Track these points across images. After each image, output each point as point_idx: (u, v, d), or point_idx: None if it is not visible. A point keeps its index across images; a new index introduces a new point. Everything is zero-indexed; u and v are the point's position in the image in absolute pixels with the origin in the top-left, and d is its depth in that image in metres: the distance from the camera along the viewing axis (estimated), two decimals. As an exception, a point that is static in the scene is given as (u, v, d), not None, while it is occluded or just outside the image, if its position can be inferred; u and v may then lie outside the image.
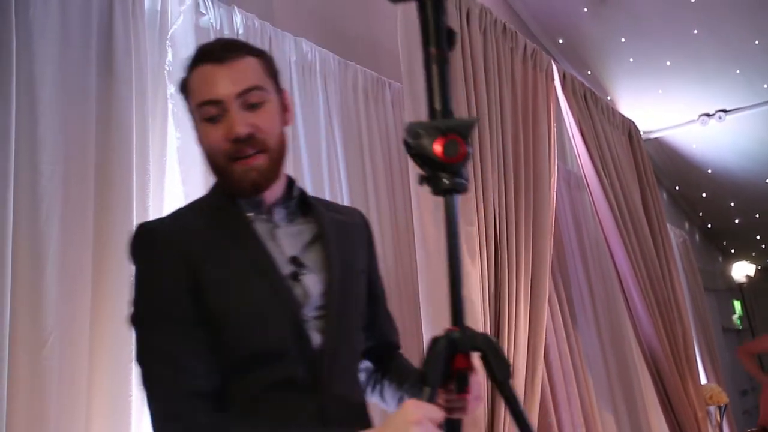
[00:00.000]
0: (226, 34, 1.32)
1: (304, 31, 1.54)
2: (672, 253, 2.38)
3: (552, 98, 1.76)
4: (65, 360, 0.86)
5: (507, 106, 1.52)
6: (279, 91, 0.69)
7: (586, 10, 1.84)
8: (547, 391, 1.63)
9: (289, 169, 0.83)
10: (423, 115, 1.44)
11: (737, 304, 6.81)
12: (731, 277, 6.16)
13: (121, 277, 0.90)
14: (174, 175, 1.17)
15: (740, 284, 6.18)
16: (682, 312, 2.17)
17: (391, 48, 1.61)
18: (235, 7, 1.35)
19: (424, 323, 1.39)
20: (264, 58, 0.69)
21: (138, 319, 0.61)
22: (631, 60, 2.23)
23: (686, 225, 4.94)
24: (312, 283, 0.68)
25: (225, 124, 0.63)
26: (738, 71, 2.86)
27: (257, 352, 0.63)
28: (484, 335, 0.55)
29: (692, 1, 2.23)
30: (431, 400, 0.52)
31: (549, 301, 1.67)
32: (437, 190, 0.52)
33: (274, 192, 0.69)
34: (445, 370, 0.53)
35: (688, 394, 1.92)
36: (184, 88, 0.69)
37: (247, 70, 0.64)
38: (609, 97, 2.53)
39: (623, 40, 2.05)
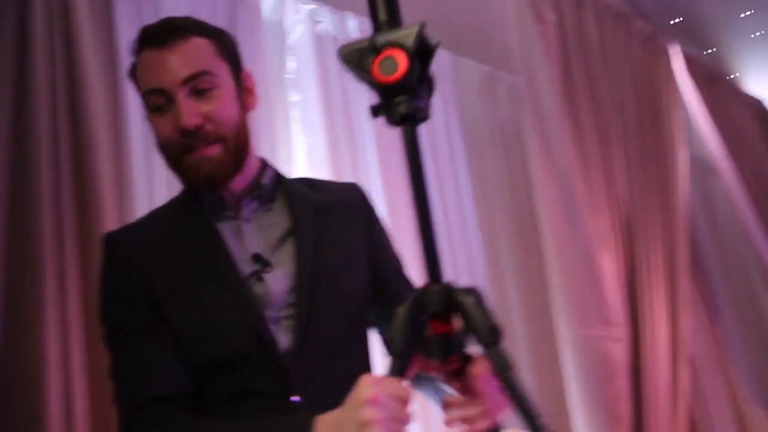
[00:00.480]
0: (342, 39, 1.37)
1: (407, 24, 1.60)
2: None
3: (673, 81, 1.69)
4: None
5: (628, 93, 1.53)
6: (237, 73, 0.63)
7: None
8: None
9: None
10: (545, 107, 1.44)
11: None
12: None
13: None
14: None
15: None
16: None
17: (501, 40, 1.62)
18: (351, 13, 1.43)
19: (558, 325, 1.41)
20: (217, 37, 0.62)
21: (104, 336, 0.61)
22: (757, 34, 1.99)
23: None
24: (276, 281, 0.63)
25: (172, 115, 0.58)
26: None
27: (216, 361, 0.59)
28: (465, 289, 0.46)
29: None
30: (395, 372, 0.44)
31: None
32: (390, 120, 0.44)
33: (240, 183, 0.64)
34: (413, 334, 0.44)
35: None
36: (133, 74, 0.63)
37: (195, 53, 0.58)
38: (737, 74, 2.32)
39: (742, 15, 1.84)
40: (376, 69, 0.41)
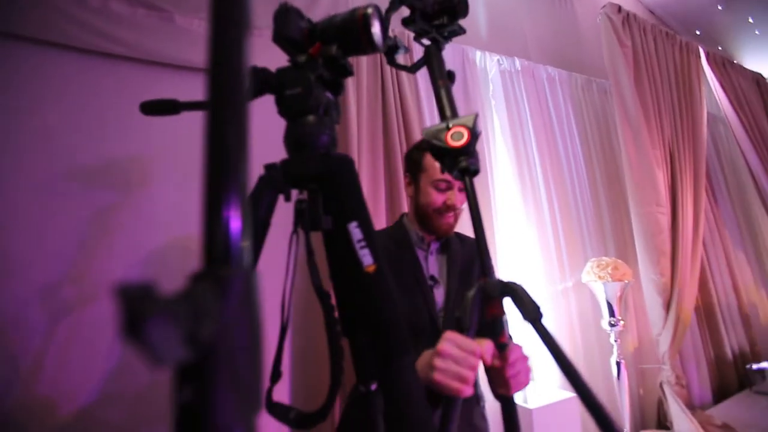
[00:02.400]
0: (514, 72, 2.55)
1: (544, 59, 2.74)
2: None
3: (701, 68, 2.77)
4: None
5: (674, 80, 2.60)
6: None
7: (720, 8, 2.74)
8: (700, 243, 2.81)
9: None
10: (631, 103, 2.59)
11: None
12: None
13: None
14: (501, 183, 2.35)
15: None
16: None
17: (596, 58, 2.70)
18: (516, 57, 2.60)
19: (630, 204, 2.52)
20: None
21: None
22: (757, 32, 3.04)
23: None
24: (439, 294, 0.96)
25: (448, 195, 0.96)
26: None
27: (409, 325, 0.77)
28: (512, 282, 0.56)
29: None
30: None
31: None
32: (457, 173, 0.58)
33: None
34: (479, 316, 0.56)
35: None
36: (418, 161, 0.99)
37: None
38: (736, 61, 3.36)
39: (751, 20, 2.88)
40: (449, 138, 0.57)
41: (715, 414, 2.35)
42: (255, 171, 0.51)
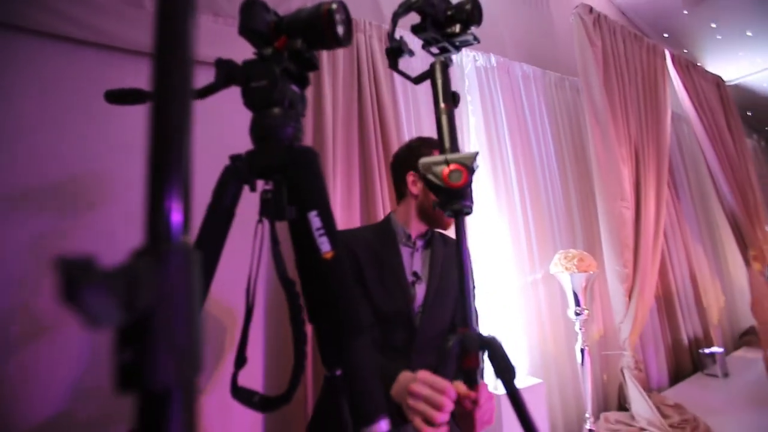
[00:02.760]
0: (487, 68, 2.62)
1: (519, 56, 2.80)
2: (747, 151, 3.47)
3: (666, 69, 2.89)
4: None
5: (640, 81, 2.72)
6: None
7: (686, 12, 2.86)
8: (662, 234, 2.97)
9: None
10: (599, 101, 2.70)
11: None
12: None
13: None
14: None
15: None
16: (755, 187, 3.31)
17: (568, 57, 2.80)
18: (492, 54, 2.66)
19: (597, 199, 2.69)
20: None
21: None
22: (719, 38, 3.19)
23: (754, 136, 6.08)
24: (420, 291, 1.01)
25: None
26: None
27: (385, 315, 0.94)
28: (492, 337, 0.57)
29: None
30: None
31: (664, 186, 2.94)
32: (449, 212, 0.58)
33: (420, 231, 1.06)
34: (456, 366, 0.57)
35: (756, 234, 3.14)
36: (415, 164, 0.93)
37: None
38: (699, 63, 3.53)
39: (713, 25, 3.03)
40: (447, 177, 0.56)
41: (669, 395, 2.51)
42: (221, 162, 0.54)
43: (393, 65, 0.68)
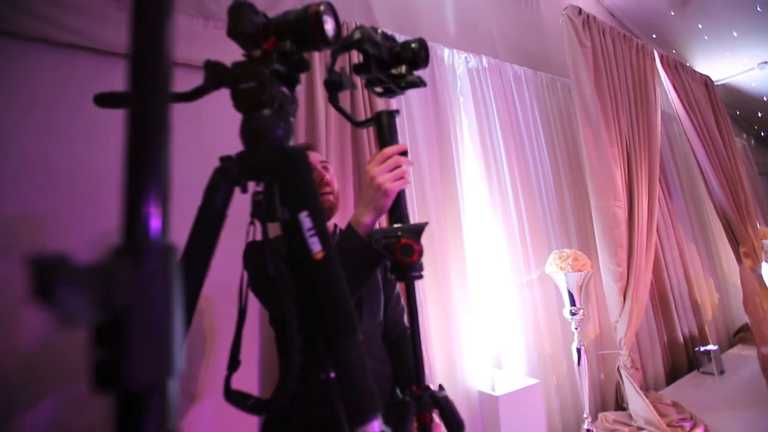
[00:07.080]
0: (479, 70, 2.65)
1: (510, 57, 2.83)
2: (736, 149, 3.50)
3: (655, 70, 2.93)
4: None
5: (630, 80, 2.75)
6: None
7: (672, 13, 2.90)
8: (655, 233, 2.98)
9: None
10: (586, 95, 2.72)
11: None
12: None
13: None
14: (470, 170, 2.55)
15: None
16: (745, 185, 3.34)
17: (559, 58, 2.83)
18: (483, 55, 2.68)
19: (591, 199, 2.74)
20: None
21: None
22: (706, 38, 3.24)
23: (744, 135, 6.17)
24: None
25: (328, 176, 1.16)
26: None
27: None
28: (444, 396, 0.63)
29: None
30: None
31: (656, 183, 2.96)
32: (400, 279, 0.63)
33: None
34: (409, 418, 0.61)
35: (747, 231, 3.16)
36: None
37: None
38: (688, 63, 3.57)
39: (700, 26, 3.07)
40: (398, 253, 0.60)
41: (666, 394, 2.52)
42: (212, 164, 0.54)
43: (333, 100, 0.66)
